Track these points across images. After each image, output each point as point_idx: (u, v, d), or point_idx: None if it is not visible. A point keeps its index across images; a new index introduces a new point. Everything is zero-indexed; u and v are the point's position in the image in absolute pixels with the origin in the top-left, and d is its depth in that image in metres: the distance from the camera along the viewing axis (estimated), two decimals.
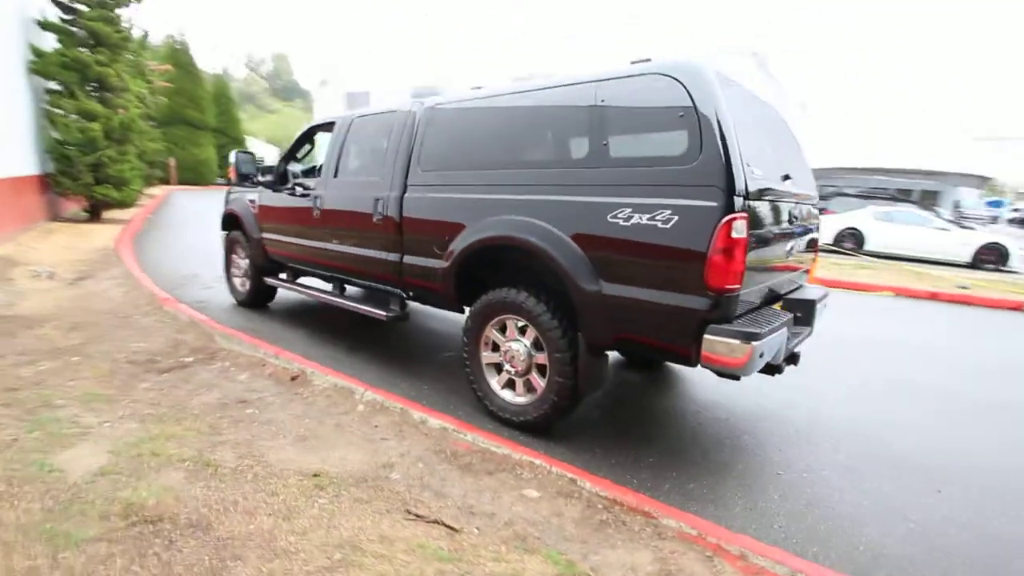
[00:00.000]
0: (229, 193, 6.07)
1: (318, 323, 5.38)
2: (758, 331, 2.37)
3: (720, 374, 2.66)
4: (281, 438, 2.82)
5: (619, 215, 2.59)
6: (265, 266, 5.44)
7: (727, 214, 2.31)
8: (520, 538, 2.10)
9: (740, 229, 2.32)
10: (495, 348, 3.31)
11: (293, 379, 3.66)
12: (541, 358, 3.05)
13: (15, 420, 2.78)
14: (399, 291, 3.98)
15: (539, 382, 3.08)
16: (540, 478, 2.54)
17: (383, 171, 3.88)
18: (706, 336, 2.40)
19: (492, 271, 3.35)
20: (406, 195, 3.69)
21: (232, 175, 5.11)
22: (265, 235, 5.23)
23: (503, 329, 3.24)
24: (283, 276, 5.36)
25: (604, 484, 2.48)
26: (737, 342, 2.35)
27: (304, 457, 2.63)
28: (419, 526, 2.13)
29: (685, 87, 2.49)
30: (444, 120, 3.57)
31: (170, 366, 3.83)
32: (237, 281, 5.95)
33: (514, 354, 3.15)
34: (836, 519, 2.46)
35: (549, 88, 3.06)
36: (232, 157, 5.08)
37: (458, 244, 3.31)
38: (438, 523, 2.15)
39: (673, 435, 3.25)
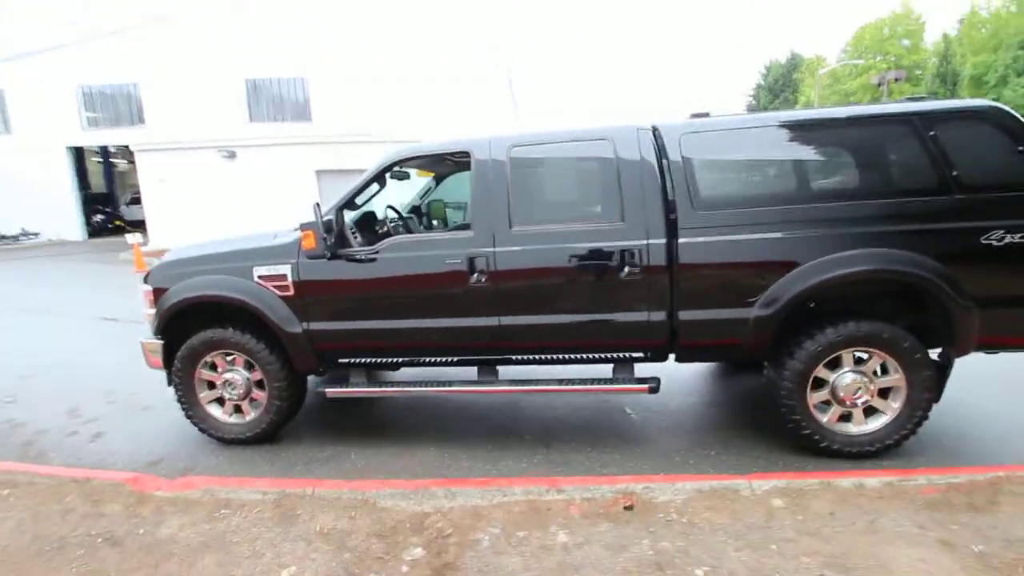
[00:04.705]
0: (160, 270, 3.71)
1: (398, 429, 3.86)
2: None
3: None
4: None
5: (992, 236, 2.89)
6: (310, 372, 3.59)
7: None
8: None
9: None
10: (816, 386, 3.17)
11: (628, 508, 2.67)
12: (889, 381, 3.10)
13: None
14: (629, 354, 3.31)
15: (889, 405, 3.13)
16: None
17: (627, 214, 3.11)
18: None
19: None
20: (680, 240, 3.08)
21: (312, 243, 3.07)
22: (321, 325, 3.41)
23: (833, 364, 3.14)
24: (356, 380, 3.60)
25: None
26: None
27: None
28: None
29: (1007, 126, 2.93)
30: (729, 152, 3.12)
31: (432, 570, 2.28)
32: (218, 411, 3.70)
33: (859, 385, 3.10)
34: None
35: (866, 115, 3.08)
36: (312, 209, 3.05)
37: (787, 287, 3.00)
38: None
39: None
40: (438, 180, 5.03)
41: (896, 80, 28.43)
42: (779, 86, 65.66)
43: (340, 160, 15.43)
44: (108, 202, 25.10)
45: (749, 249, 3.05)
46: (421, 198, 5.13)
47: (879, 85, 29.41)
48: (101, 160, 25.63)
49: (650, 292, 3.13)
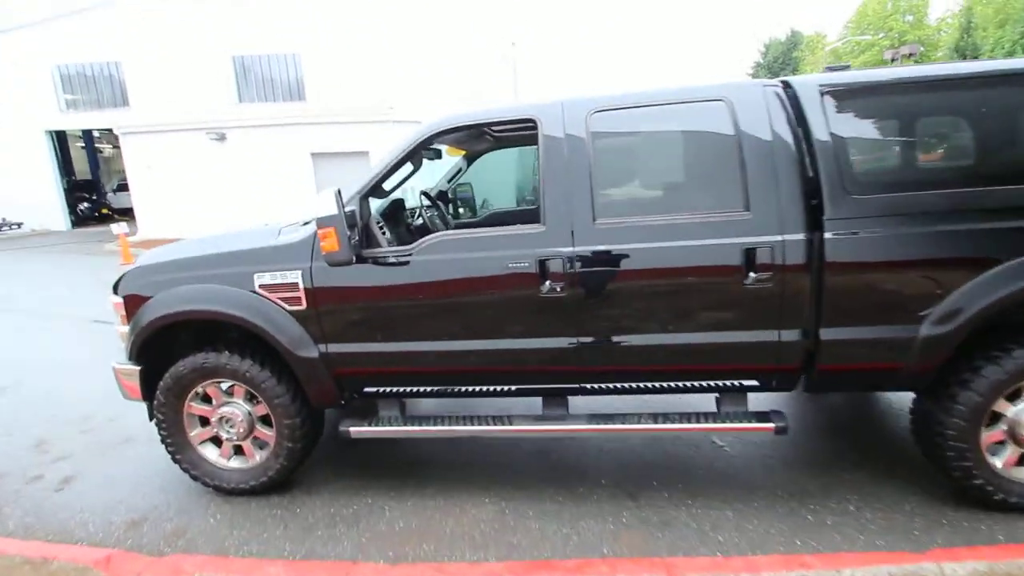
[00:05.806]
0: (134, 277, 2.92)
1: (437, 469, 3.10)
2: None
3: None
4: None
5: None
6: (328, 406, 2.84)
7: None
8: None
9: None
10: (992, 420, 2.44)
11: None
12: None
13: None
14: (742, 382, 2.56)
15: None
16: None
17: (754, 200, 2.33)
18: None
19: None
20: (826, 235, 2.31)
21: (335, 245, 2.28)
22: (343, 347, 2.64)
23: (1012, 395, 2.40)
24: (387, 415, 2.83)
25: None
26: None
27: None
28: None
29: None
30: (890, 115, 2.35)
31: None
32: (214, 453, 2.95)
33: None
34: None
35: None
36: (333, 198, 2.24)
37: (974, 297, 2.24)
38: None
39: None
40: (469, 160, 4.23)
41: (910, 55, 27.33)
42: (779, 64, 64.21)
43: (337, 142, 14.47)
44: (94, 189, 24.00)
45: (922, 245, 2.28)
46: (449, 181, 4.33)
47: (892, 60, 28.35)
48: (84, 145, 24.46)
49: (783, 302, 2.36)
